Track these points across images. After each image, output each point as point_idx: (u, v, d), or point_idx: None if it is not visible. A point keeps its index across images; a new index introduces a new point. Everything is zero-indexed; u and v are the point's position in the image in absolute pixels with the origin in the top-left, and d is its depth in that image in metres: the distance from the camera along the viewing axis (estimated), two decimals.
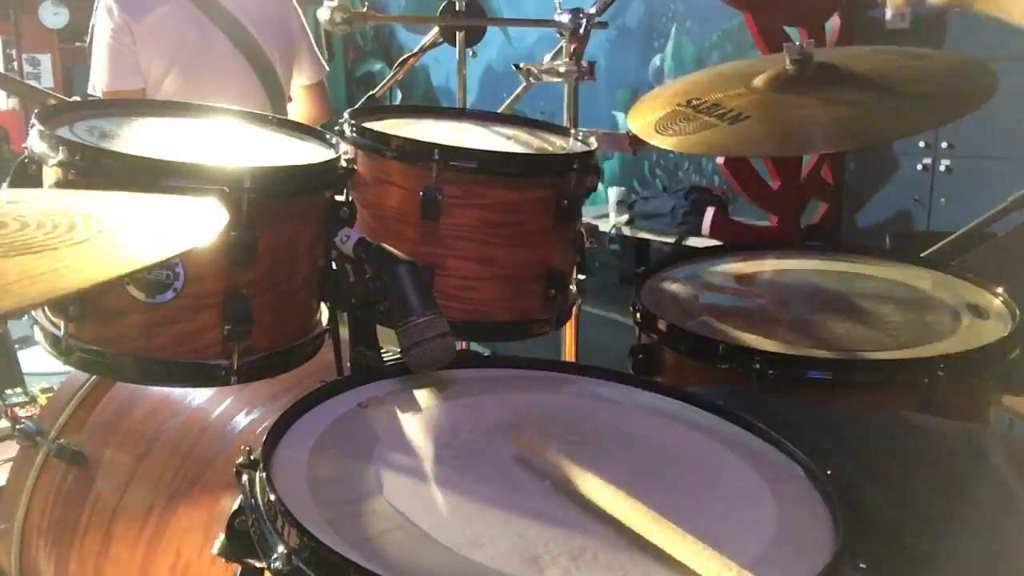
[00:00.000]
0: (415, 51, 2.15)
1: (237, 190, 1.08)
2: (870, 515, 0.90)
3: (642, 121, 1.54)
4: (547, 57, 2.01)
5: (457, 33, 2.01)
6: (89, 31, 2.54)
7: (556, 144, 1.50)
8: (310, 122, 2.69)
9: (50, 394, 2.50)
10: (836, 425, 1.15)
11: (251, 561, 0.87)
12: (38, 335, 1.16)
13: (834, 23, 3.68)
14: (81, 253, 0.71)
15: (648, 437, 1.02)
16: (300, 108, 2.74)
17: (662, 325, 1.39)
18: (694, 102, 1.51)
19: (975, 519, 0.93)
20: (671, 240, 4.10)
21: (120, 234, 0.77)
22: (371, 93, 2.06)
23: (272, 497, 0.80)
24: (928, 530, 0.92)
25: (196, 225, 0.84)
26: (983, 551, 0.93)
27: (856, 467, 0.91)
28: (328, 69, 2.78)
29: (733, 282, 1.62)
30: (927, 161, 3.58)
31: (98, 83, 2.45)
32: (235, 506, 0.88)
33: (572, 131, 1.58)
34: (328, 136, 1.33)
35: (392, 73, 2.27)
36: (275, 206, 1.14)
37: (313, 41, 2.71)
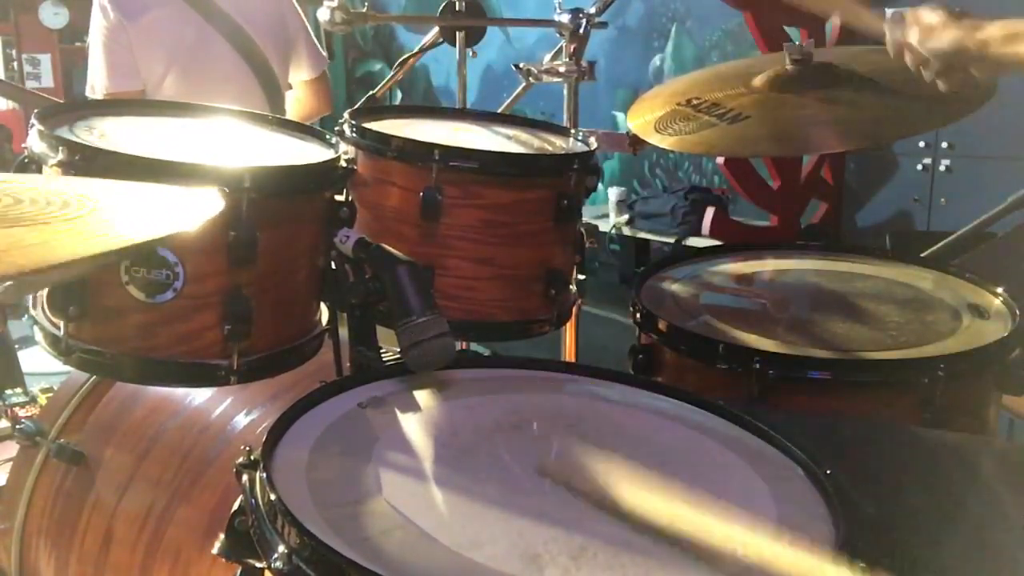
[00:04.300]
0: (415, 51, 2.15)
1: (237, 190, 1.08)
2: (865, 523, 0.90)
3: (642, 120, 1.54)
4: (547, 57, 2.00)
5: (457, 33, 2.01)
6: (89, 32, 2.53)
7: (556, 144, 1.50)
8: (311, 115, 2.70)
9: (50, 394, 2.49)
10: (829, 435, 1.14)
11: (251, 561, 0.86)
12: (38, 335, 1.16)
13: (834, 23, 3.68)
14: (74, 228, 0.70)
15: (648, 437, 1.02)
16: (301, 101, 2.73)
17: (662, 325, 1.39)
18: (694, 101, 1.51)
19: (967, 532, 0.92)
20: (671, 240, 4.10)
21: (114, 213, 0.77)
22: (371, 93, 2.06)
23: (272, 497, 0.80)
24: (920, 542, 0.92)
25: (190, 210, 0.84)
26: (975, 564, 0.92)
27: (849, 478, 0.91)
28: (330, 61, 2.77)
29: (733, 282, 1.62)
30: (927, 161, 3.58)
31: (97, 84, 2.42)
32: (235, 506, 0.88)
33: (572, 131, 1.58)
34: (328, 136, 1.33)
35: (392, 73, 2.27)
36: (275, 206, 1.14)
37: (312, 34, 2.71)
